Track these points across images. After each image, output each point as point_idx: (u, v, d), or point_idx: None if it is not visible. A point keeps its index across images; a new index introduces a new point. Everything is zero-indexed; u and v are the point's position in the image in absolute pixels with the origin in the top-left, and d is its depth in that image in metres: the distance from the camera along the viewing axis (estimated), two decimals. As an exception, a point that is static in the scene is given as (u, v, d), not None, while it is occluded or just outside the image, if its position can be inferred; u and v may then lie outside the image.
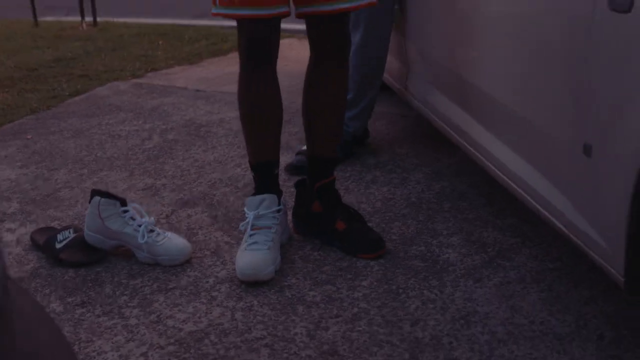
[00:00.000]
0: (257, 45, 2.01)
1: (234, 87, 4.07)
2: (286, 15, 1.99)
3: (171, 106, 3.66)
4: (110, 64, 4.70)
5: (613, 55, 1.42)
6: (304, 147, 2.70)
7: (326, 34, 2.06)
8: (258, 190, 2.12)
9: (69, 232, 2.17)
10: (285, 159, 2.81)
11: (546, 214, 1.74)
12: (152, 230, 2.10)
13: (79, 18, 6.69)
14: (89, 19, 6.53)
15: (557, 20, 1.64)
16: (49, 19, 7.67)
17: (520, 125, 1.87)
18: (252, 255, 1.97)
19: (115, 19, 7.02)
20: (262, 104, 2.07)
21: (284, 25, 2.04)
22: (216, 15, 2.01)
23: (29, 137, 3.26)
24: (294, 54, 4.40)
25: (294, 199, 2.25)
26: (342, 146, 2.76)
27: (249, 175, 2.65)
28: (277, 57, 2.04)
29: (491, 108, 2.04)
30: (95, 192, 2.14)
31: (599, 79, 1.47)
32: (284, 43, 2.58)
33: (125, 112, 3.59)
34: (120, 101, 3.80)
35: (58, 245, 2.13)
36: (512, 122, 1.92)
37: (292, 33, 4.98)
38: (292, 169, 2.70)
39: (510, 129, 1.94)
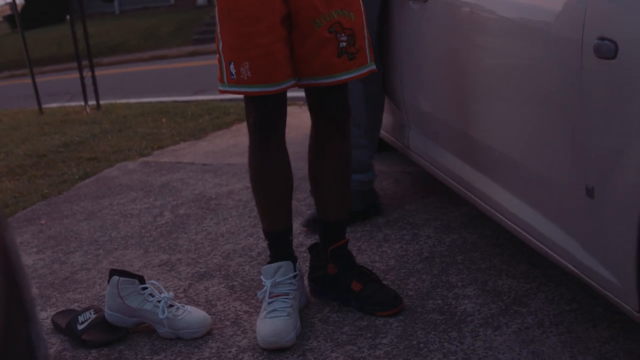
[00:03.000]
0: (267, 121, 2.04)
1: (240, 159, 4.15)
2: (293, 87, 2.03)
3: (180, 182, 3.72)
4: (117, 144, 4.79)
5: (603, 100, 1.48)
6: None
7: (326, 103, 2.10)
8: (273, 258, 2.16)
9: (90, 313, 2.21)
10: (295, 224, 2.85)
11: (557, 257, 1.78)
12: (171, 305, 2.13)
13: (82, 103, 6.84)
14: (92, 102, 6.68)
15: (549, 70, 1.70)
16: (53, 105, 7.83)
17: (524, 173, 1.92)
18: (273, 323, 1.99)
19: (118, 101, 7.17)
20: (274, 176, 2.11)
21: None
22: (224, 92, 2.03)
23: (42, 222, 3.32)
24: (295, 121, 4.49)
25: (308, 263, 2.28)
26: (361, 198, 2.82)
27: (262, 244, 2.70)
28: (285, 128, 2.09)
29: (493, 159, 2.09)
30: (113, 272, 2.18)
31: (593, 123, 1.53)
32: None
33: (135, 191, 3.66)
34: (130, 180, 3.87)
35: (80, 327, 2.16)
36: (515, 170, 1.97)
37: (293, 100, 5.09)
38: (306, 222, 2.79)
39: (514, 177, 1.99)
